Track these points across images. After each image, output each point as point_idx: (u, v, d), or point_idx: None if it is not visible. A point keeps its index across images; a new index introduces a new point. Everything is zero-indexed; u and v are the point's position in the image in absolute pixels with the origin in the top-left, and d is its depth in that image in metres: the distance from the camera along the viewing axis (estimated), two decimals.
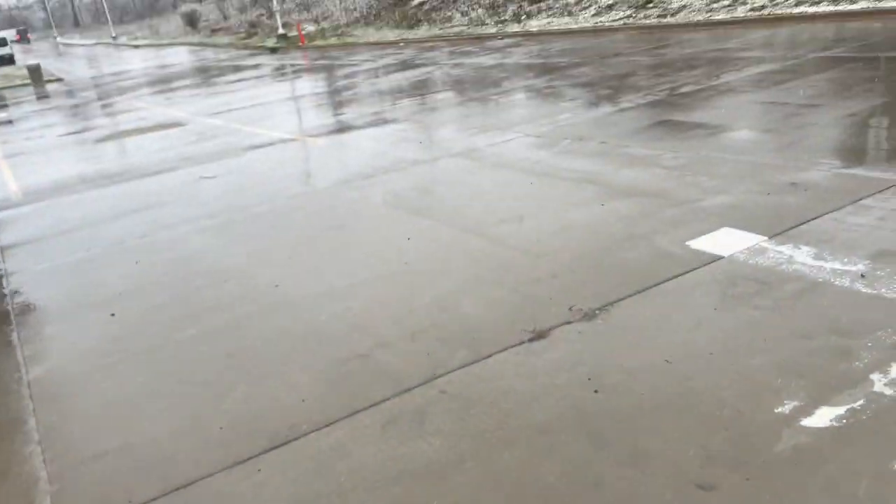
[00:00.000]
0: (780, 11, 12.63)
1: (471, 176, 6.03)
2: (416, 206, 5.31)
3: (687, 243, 3.86)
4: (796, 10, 12.34)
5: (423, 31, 23.46)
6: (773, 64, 8.74)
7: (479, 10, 22.38)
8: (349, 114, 10.31)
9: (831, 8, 11.81)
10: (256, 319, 3.74)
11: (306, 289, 4.04)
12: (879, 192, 4.14)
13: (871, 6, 11.27)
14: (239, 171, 7.39)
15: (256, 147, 8.55)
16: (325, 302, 3.81)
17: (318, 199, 5.97)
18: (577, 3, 18.69)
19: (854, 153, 5.11)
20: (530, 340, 3.10)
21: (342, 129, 9.13)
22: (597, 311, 3.26)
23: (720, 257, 3.64)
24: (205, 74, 21.78)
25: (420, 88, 12.01)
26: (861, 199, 4.06)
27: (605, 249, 3.97)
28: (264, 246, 4.90)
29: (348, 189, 6.06)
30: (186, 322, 3.84)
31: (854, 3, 11.66)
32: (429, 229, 4.79)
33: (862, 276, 3.22)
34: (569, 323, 3.19)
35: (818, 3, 12.28)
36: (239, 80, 17.94)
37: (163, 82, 20.61)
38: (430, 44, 20.81)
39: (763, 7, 13.23)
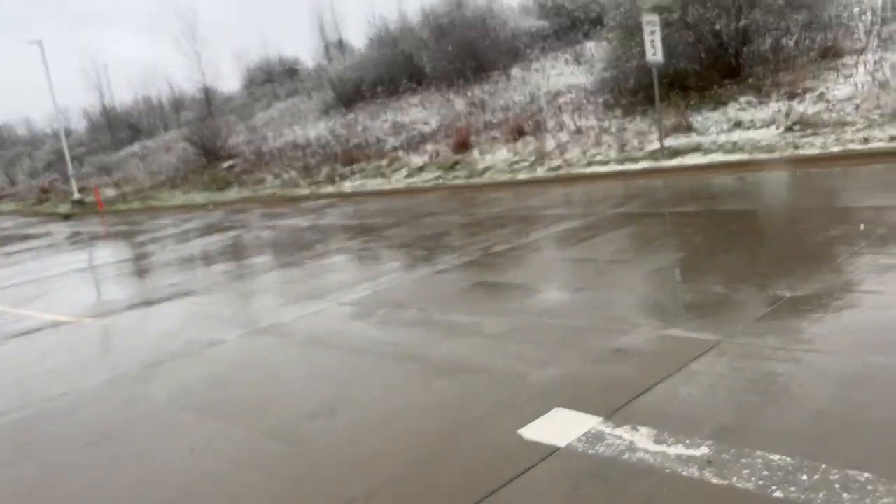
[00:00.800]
0: (574, 171, 13.68)
1: (277, 357, 5.31)
2: (207, 403, 4.45)
3: (519, 432, 3.38)
4: (588, 170, 13.43)
5: (233, 194, 22.90)
6: (575, 221, 9.12)
7: (293, 172, 22.38)
8: (142, 286, 9.24)
9: (618, 167, 12.98)
10: None
11: None
12: (702, 354, 4.00)
13: (650, 165, 12.51)
14: None
15: (19, 334, 7.18)
16: None
17: (83, 401, 4.87)
18: (389, 165, 19.27)
19: (668, 311, 5.08)
20: None
21: (131, 305, 8.04)
22: None
23: (557, 448, 3.19)
24: None
25: (226, 254, 11.23)
26: (687, 365, 3.88)
27: (431, 448, 3.38)
28: None
29: (125, 385, 5.04)
30: None
31: (637, 162, 12.91)
32: (220, 435, 3.94)
33: (709, 462, 2.89)
34: None
35: (606, 163, 13.49)
36: (19, 251, 16.03)
37: None
38: (242, 206, 20.21)
39: (559, 167, 14.30)
